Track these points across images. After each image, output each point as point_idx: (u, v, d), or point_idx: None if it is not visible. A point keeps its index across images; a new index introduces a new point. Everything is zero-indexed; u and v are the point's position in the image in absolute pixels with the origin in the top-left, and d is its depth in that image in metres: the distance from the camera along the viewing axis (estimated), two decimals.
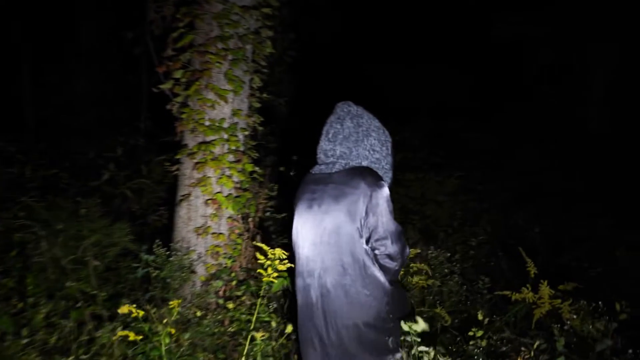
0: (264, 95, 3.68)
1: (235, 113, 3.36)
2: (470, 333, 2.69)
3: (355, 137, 2.09)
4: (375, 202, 1.96)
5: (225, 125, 3.32)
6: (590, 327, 2.21)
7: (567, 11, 8.24)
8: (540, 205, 5.39)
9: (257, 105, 3.64)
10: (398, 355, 2.09)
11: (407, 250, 2.11)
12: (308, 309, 2.12)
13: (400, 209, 5.24)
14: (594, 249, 4.24)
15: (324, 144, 2.15)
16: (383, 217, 1.98)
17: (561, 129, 8.63)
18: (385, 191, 1.99)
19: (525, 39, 9.15)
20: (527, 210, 5.06)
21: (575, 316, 2.34)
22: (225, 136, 3.31)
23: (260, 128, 3.69)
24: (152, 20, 3.57)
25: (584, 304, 2.45)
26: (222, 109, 3.32)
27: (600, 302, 2.24)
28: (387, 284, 2.02)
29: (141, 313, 2.05)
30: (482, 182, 5.97)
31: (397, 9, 11.75)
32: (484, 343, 2.61)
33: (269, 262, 2.56)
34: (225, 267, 3.30)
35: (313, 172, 2.20)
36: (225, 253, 3.33)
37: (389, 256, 2.02)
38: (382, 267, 2.02)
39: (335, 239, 2.01)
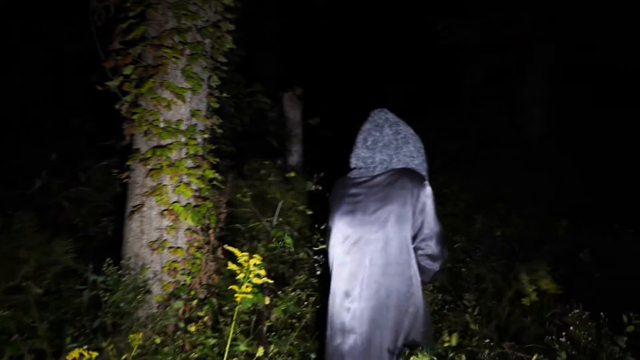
0: (223, 94, 3.40)
1: (193, 114, 3.05)
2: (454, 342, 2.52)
3: (395, 145, 2.07)
4: (422, 201, 1.93)
5: (183, 127, 3.00)
6: (592, 338, 2.11)
7: (506, 16, 8.41)
8: (497, 208, 5.41)
9: (216, 105, 3.35)
10: None
11: (446, 252, 2.06)
12: (344, 317, 2.01)
13: None
14: (555, 252, 4.24)
15: (361, 152, 2.11)
16: (429, 216, 1.94)
17: (504, 132, 8.82)
18: (430, 190, 1.97)
19: (466, 45, 9.29)
20: (486, 213, 5.04)
21: (572, 327, 2.24)
22: (183, 139, 2.99)
23: (219, 130, 3.40)
24: (94, 10, 3.19)
25: (576, 314, 2.36)
26: (179, 109, 3.00)
27: (602, 313, 2.15)
28: (421, 289, 1.99)
29: (94, 354, 1.71)
30: (447, 185, 5.93)
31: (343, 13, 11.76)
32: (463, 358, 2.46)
33: (243, 275, 2.27)
34: (184, 284, 2.97)
35: (351, 176, 2.13)
36: (183, 269, 3.00)
37: (431, 257, 1.99)
38: (421, 269, 1.99)
39: (384, 241, 1.95)
